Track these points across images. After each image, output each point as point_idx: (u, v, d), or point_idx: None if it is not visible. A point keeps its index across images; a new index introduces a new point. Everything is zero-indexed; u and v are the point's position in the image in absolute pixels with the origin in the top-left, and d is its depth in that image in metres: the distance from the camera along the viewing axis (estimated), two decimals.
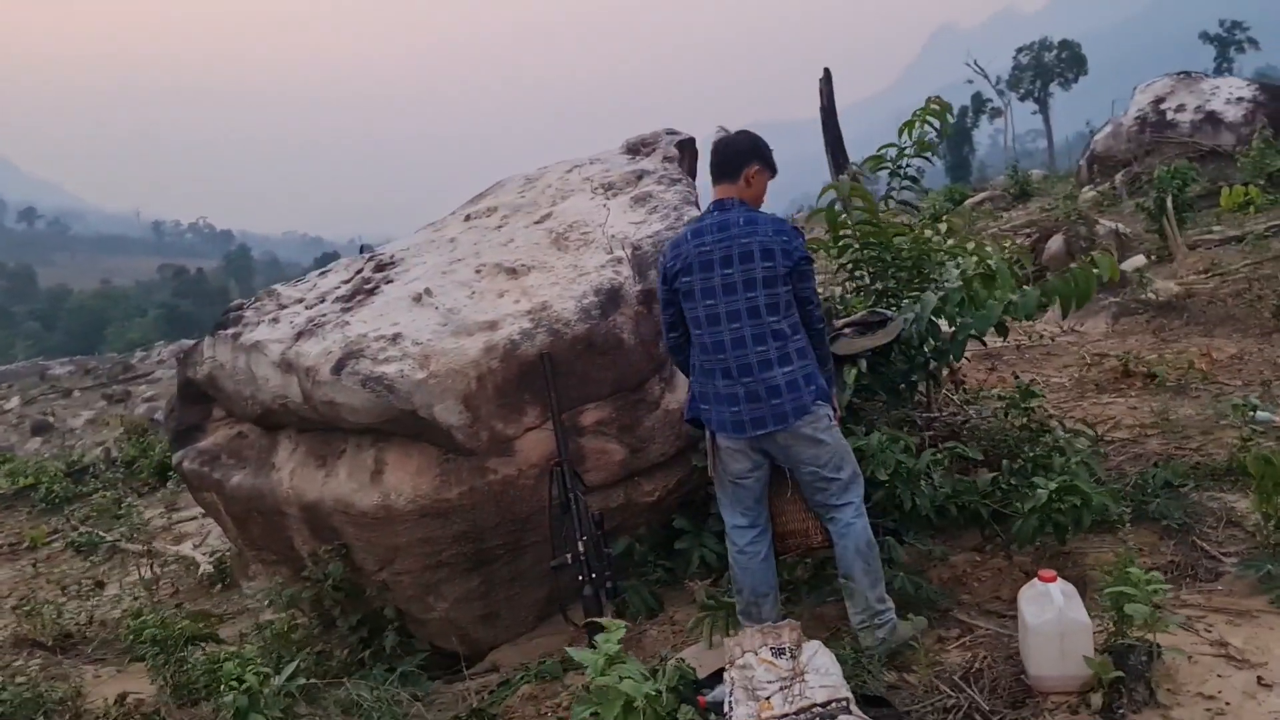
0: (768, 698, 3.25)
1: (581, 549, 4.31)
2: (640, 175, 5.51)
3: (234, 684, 4.03)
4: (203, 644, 5.80)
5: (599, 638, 2.50)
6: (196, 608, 7.08)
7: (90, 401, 44.04)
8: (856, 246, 5.07)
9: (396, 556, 4.64)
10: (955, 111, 66.92)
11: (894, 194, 5.32)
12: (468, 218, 5.68)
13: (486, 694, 4.37)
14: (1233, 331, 8.21)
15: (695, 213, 5.11)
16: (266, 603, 5.27)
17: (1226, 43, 69.27)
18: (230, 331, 5.09)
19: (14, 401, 47.50)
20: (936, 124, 4.93)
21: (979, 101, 68.15)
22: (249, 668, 4.12)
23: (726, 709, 3.29)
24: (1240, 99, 20.83)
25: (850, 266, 5.21)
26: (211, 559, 8.44)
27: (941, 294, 4.45)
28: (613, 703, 2.36)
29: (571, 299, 4.59)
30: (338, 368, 4.42)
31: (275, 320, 5.05)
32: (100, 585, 8.43)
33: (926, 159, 5.10)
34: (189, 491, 5.57)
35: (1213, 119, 20.54)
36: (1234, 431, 5.37)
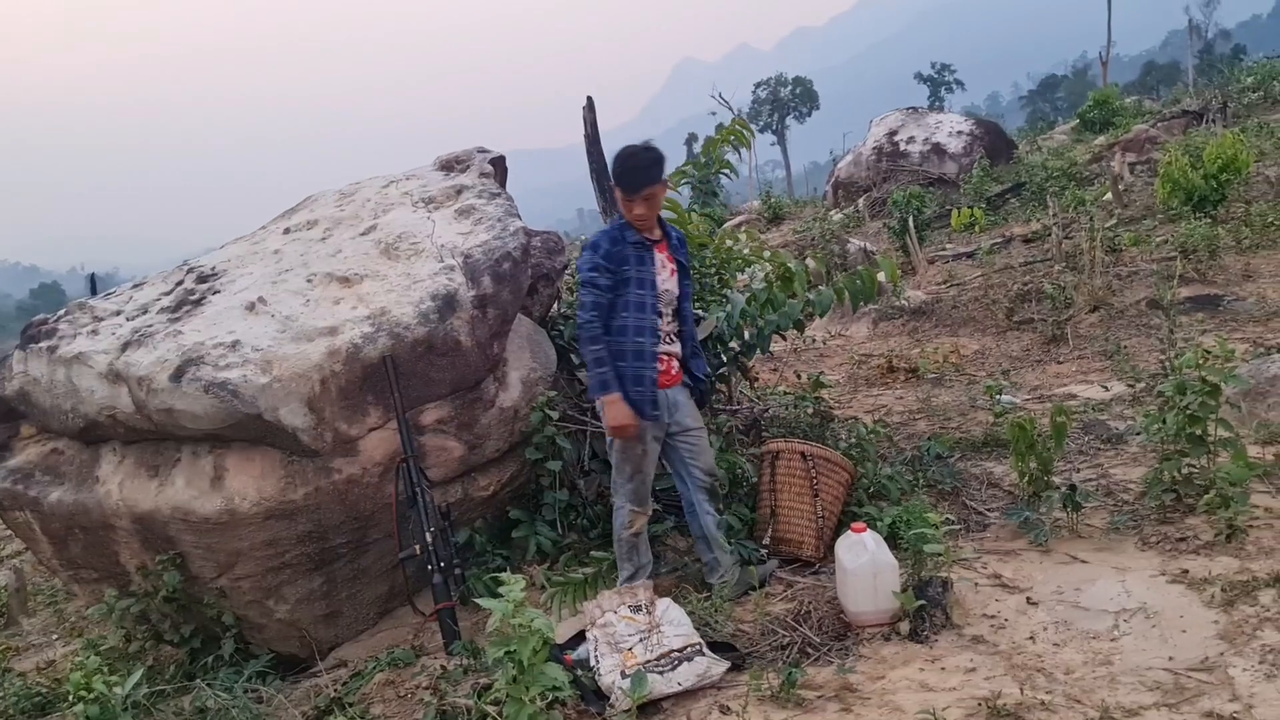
0: (630, 648, 3.63)
1: (430, 540, 4.54)
2: (460, 190, 5.78)
3: (83, 693, 3.99)
4: None
5: (504, 588, 2.78)
6: None
7: None
8: None
9: (238, 561, 4.68)
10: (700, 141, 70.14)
11: (694, 208, 5.85)
12: (287, 230, 5.75)
13: (339, 686, 4.50)
14: (974, 331, 9.37)
15: (519, 223, 5.45)
16: (96, 619, 5.13)
17: (938, 83, 76.28)
18: (45, 345, 4.96)
19: None
20: (734, 143, 5.50)
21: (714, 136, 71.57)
22: (95, 677, 4.08)
23: (593, 662, 3.63)
24: (960, 132, 23.27)
25: None
26: None
27: (748, 294, 4.98)
28: (526, 641, 2.65)
29: (409, 304, 4.81)
30: (177, 375, 4.44)
31: (95, 332, 4.97)
32: None
33: (725, 175, 5.66)
34: None
35: (938, 150, 22.84)
36: (985, 413, 6.24)
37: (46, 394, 4.91)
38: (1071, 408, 6.03)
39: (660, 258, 4.37)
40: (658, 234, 4.39)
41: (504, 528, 5.23)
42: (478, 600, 3.09)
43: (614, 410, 4.11)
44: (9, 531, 9.92)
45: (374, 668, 4.52)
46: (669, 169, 4.82)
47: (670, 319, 4.44)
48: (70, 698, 4.06)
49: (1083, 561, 4.22)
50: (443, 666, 4.31)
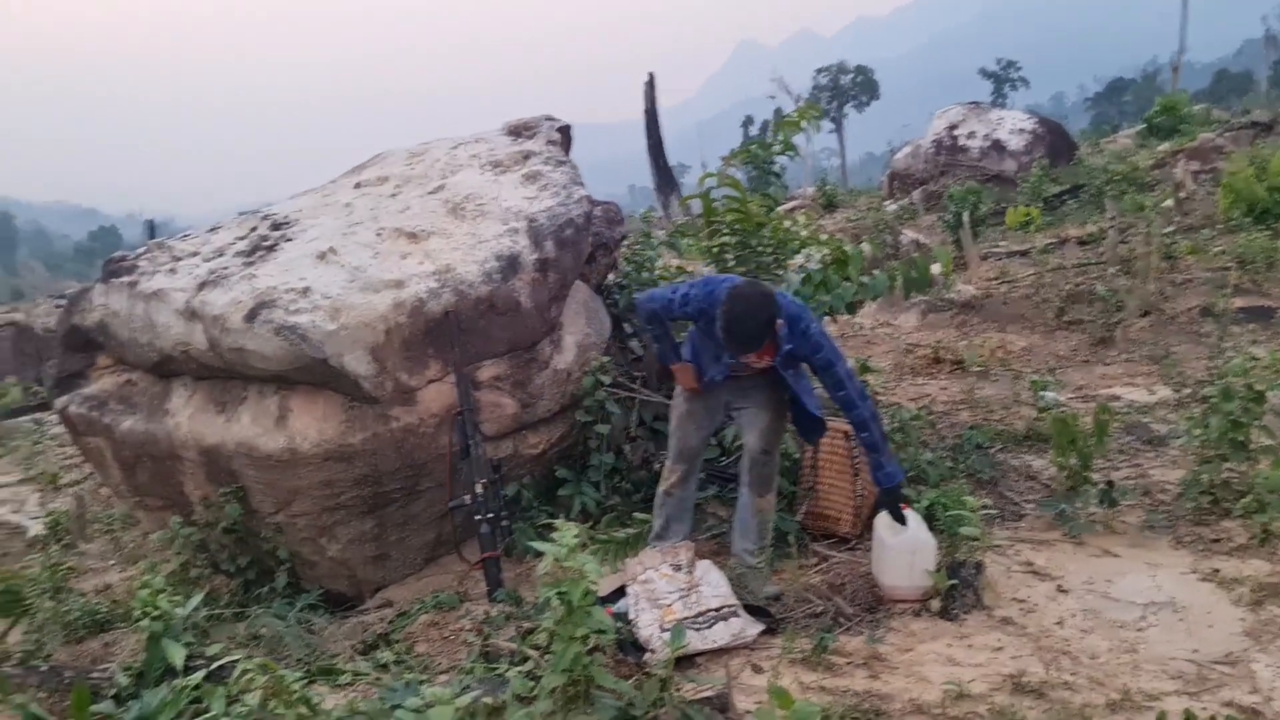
0: (669, 604, 3.78)
1: (480, 491, 4.72)
2: (527, 155, 5.93)
3: (149, 610, 4.22)
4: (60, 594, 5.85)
5: (557, 534, 2.93)
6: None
7: None
8: (726, 232, 5.66)
9: (295, 499, 4.89)
10: (757, 126, 69.73)
11: (759, 188, 5.96)
12: (358, 185, 5.93)
13: (386, 624, 4.70)
14: (1022, 328, 9.39)
15: (583, 192, 5.60)
16: (159, 545, 5.37)
17: (1002, 80, 75.11)
18: (125, 280, 5.18)
19: None
20: (805, 126, 5.60)
21: (780, 116, 71.04)
22: (159, 596, 4.31)
23: (632, 615, 3.79)
24: (1022, 130, 23.01)
25: (717, 250, 5.81)
26: (43, 521, 8.23)
27: (804, 275, 5.09)
28: (577, 583, 2.81)
29: (474, 263, 4.98)
30: (250, 316, 4.64)
31: (173, 271, 5.18)
32: None
33: (789, 157, 5.76)
34: (71, 436, 5.56)
35: (998, 146, 22.61)
36: (1029, 408, 6.31)
37: (125, 327, 5.14)
38: (1115, 408, 6.08)
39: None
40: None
41: (550, 486, 5.39)
42: (532, 544, 3.25)
43: (678, 369, 4.41)
44: (70, 460, 10.32)
45: (419, 609, 4.71)
46: (728, 148, 4.92)
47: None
48: (136, 614, 4.30)
49: (1115, 555, 4.31)
50: (486, 612, 4.50)
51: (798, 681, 3.36)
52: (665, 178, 22.27)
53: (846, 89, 74.24)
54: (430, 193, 5.62)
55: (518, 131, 6.37)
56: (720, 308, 3.88)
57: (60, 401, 5.38)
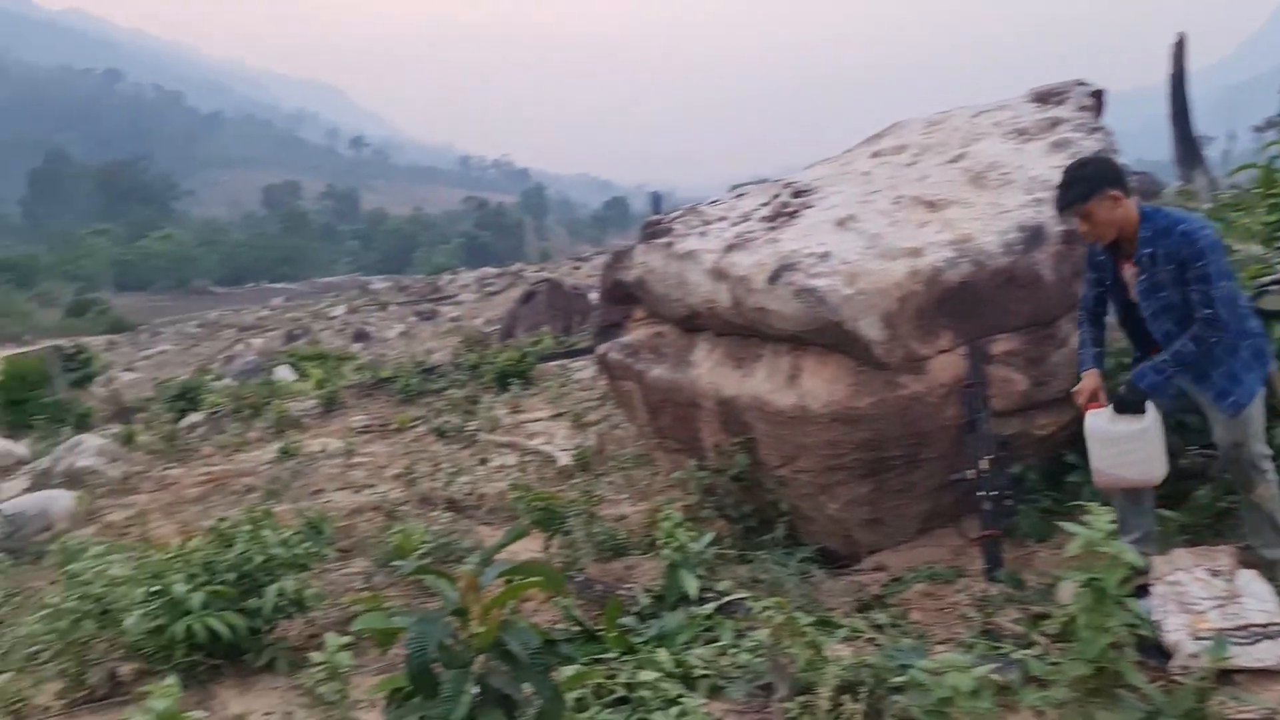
0: (1202, 611, 3.45)
1: (984, 467, 4.61)
2: (1054, 123, 5.64)
3: (670, 539, 4.66)
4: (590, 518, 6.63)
5: (1090, 518, 2.79)
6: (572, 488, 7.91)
7: (402, 316, 48.25)
8: None
9: (800, 454, 5.10)
10: None
11: None
12: (875, 154, 6.01)
13: (880, 587, 4.78)
14: None
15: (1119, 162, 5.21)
16: (672, 483, 5.90)
17: None
18: (662, 241, 5.70)
19: (340, 310, 52.95)
20: None
21: None
22: (679, 530, 4.74)
23: (1157, 617, 3.51)
24: None
25: (1275, 225, 5.14)
26: (570, 453, 9.34)
27: None
28: (1112, 571, 2.66)
29: (994, 233, 4.84)
30: (772, 278, 4.90)
31: (703, 234, 5.61)
32: (483, 463, 9.55)
33: None
34: (607, 379, 6.26)
35: None
36: None
37: (660, 283, 5.66)
38: None
39: (1128, 271, 4.02)
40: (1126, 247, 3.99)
41: (1057, 470, 5.13)
42: (1062, 524, 3.12)
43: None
44: (591, 403, 11.60)
45: (913, 577, 4.74)
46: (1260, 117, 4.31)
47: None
48: (659, 543, 4.77)
49: None
50: (984, 590, 4.41)
51: None
52: (1189, 149, 19.99)
53: None
54: (949, 161, 5.54)
55: (1044, 98, 6.07)
56: None
57: (601, 348, 6.07)
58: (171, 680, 3.07)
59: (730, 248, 5.31)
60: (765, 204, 5.76)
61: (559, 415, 11.71)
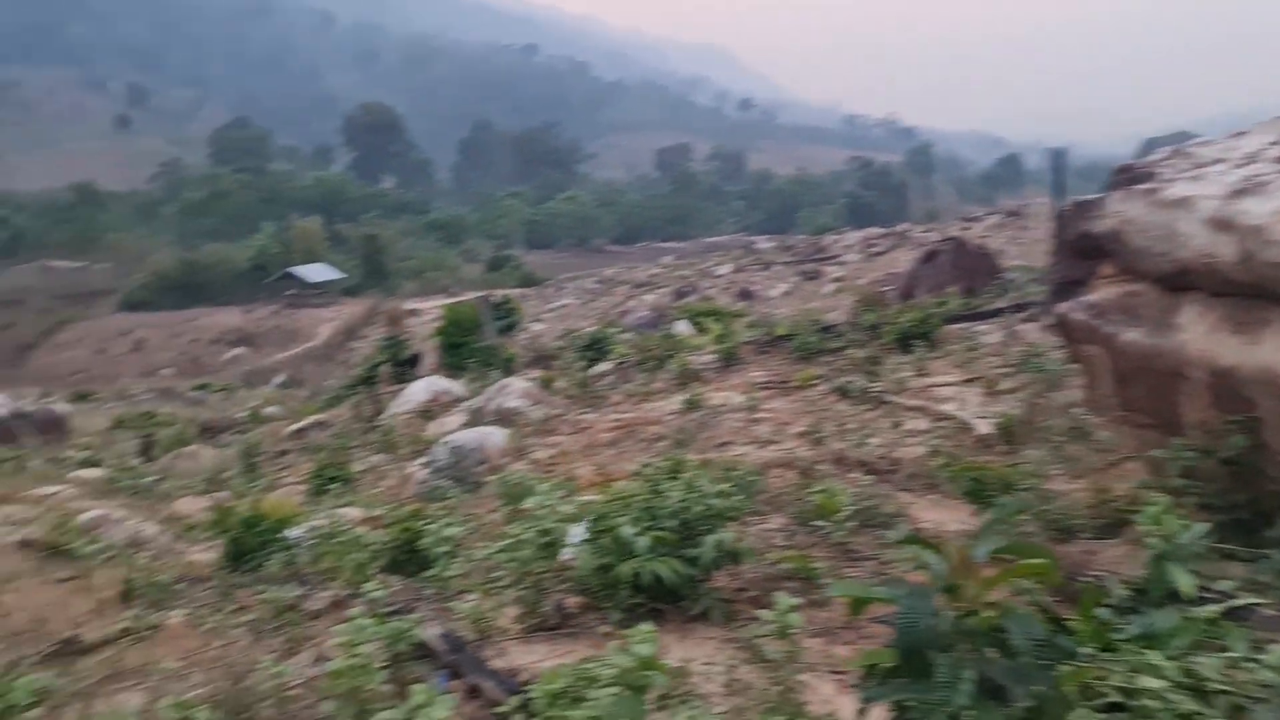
0: None
1: None
2: None
3: (1153, 525, 4.07)
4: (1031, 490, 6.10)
5: None
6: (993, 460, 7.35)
7: (785, 275, 48.62)
8: None
9: None
10: None
11: None
12: None
13: None
14: None
15: None
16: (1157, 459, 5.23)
17: None
18: (1144, 187, 5.00)
19: (725, 269, 54.37)
20: None
21: None
22: (1166, 515, 4.12)
23: None
24: None
25: None
26: (990, 421, 8.72)
27: None
28: None
29: None
30: None
31: (1196, 178, 4.85)
32: (895, 426, 9.19)
33: None
34: (1067, 342, 5.67)
35: None
36: None
37: (1140, 235, 4.97)
38: None
39: None
40: None
41: None
42: None
43: None
44: (1004, 368, 10.84)
45: None
46: None
47: None
48: (1137, 526, 4.19)
49: None
50: None
51: None
52: None
53: None
54: None
55: None
56: None
57: (1061, 308, 5.46)
58: (648, 626, 3.05)
59: (1237, 193, 4.53)
60: (1276, 142, 4.87)
61: (970, 380, 11.05)
